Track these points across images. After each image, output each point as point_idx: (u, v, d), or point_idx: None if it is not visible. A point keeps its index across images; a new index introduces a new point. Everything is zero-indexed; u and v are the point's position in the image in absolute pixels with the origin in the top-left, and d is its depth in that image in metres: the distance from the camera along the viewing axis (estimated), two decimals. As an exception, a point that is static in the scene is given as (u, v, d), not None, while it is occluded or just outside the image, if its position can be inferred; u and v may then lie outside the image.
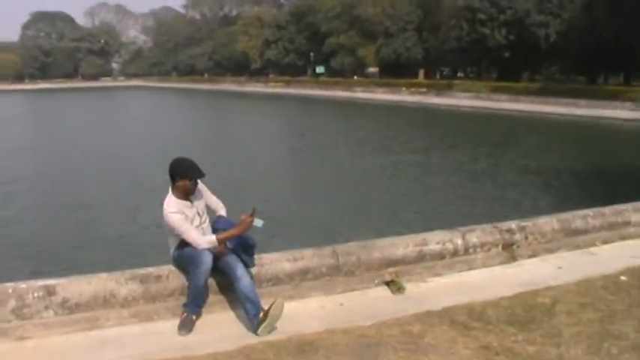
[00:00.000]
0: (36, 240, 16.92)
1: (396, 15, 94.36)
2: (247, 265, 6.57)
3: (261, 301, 6.32)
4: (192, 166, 6.61)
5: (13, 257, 15.10)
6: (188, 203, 6.60)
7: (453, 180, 25.31)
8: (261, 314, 6.17)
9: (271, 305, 6.19)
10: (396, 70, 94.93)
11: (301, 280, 7.09)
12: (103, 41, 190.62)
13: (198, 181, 6.68)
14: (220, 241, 6.45)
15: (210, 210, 6.92)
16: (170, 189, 6.63)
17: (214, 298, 6.70)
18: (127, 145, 37.91)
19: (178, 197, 6.58)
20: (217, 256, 6.46)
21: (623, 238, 9.53)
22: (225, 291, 6.68)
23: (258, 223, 6.43)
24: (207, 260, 6.32)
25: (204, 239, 6.44)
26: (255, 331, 6.15)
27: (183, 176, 6.55)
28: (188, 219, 6.51)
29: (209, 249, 6.39)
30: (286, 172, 27.50)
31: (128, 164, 29.79)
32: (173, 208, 6.50)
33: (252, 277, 6.56)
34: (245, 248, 6.62)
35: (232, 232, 6.48)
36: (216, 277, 6.63)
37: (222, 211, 6.94)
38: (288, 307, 6.45)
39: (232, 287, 6.46)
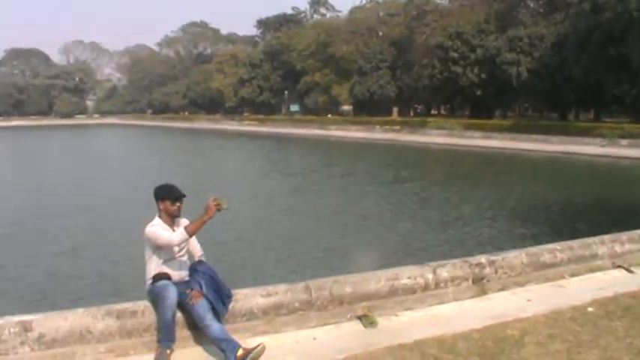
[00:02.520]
0: (19, 276, 16.84)
1: (370, 53, 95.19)
2: (219, 315, 6.63)
3: (235, 337, 6.41)
4: (170, 188, 6.91)
5: None
6: (171, 231, 6.78)
7: (426, 215, 25.44)
8: (241, 351, 6.24)
9: (255, 347, 6.27)
10: (369, 108, 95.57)
11: (275, 315, 7.14)
12: (77, 79, 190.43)
13: (187, 221, 6.89)
14: (190, 232, 6.64)
15: (190, 253, 7.08)
16: (157, 215, 6.90)
17: (188, 333, 6.73)
18: (109, 184, 37.97)
19: (164, 221, 6.82)
20: (189, 304, 6.57)
21: (591, 270, 9.68)
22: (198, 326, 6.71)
23: (225, 205, 6.58)
24: (172, 295, 6.44)
25: (175, 234, 6.65)
26: None
27: (163, 198, 6.84)
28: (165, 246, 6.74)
29: (176, 286, 6.56)
30: (262, 211, 27.49)
31: (109, 202, 29.79)
32: (154, 224, 6.77)
33: (220, 320, 6.62)
34: (221, 298, 6.72)
35: (203, 219, 6.59)
36: (190, 315, 6.69)
37: (202, 258, 7.11)
38: (256, 341, 6.51)
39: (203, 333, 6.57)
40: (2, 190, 36.80)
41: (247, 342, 6.49)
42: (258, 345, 6.29)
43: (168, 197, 6.84)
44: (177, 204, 6.86)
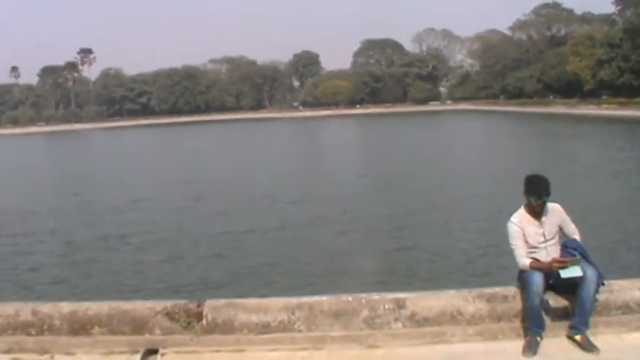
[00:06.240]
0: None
1: None
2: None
3: (609, 332, 6.31)
4: (536, 182, 6.68)
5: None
6: (535, 222, 6.67)
7: None
8: (579, 337, 6.21)
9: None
10: None
11: (654, 310, 6.71)
12: (430, 66, 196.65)
13: (559, 207, 6.76)
14: (530, 268, 6.45)
15: (563, 234, 6.87)
16: (523, 205, 6.82)
17: (561, 323, 6.58)
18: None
19: (527, 213, 6.70)
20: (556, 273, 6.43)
21: None
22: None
23: (570, 272, 6.30)
24: (536, 281, 6.32)
25: (521, 259, 6.55)
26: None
27: (528, 191, 6.69)
28: (528, 236, 6.59)
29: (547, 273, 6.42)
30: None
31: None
32: (515, 219, 6.69)
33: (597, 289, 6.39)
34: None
35: (542, 265, 6.47)
36: (562, 302, 6.56)
37: (576, 236, 6.82)
38: (633, 337, 6.22)
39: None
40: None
41: (622, 337, 6.27)
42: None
43: (531, 192, 6.65)
44: (539, 201, 6.63)
